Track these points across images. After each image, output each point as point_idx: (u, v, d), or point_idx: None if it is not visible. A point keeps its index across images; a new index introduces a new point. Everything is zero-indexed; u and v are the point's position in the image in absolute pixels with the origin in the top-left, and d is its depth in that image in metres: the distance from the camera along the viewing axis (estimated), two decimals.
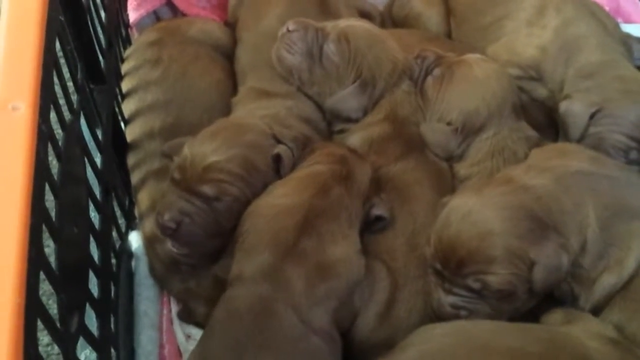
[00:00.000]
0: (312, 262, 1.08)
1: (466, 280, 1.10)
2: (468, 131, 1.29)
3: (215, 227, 1.17)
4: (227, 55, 1.50)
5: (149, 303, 1.27)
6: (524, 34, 1.44)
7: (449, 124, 1.29)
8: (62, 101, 0.94)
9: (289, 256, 1.08)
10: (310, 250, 1.09)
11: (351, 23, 1.37)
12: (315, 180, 1.16)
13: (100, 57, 1.21)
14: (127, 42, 1.53)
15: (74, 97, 1.00)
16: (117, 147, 1.35)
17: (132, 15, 1.55)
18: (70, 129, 0.91)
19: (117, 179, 1.27)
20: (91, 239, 1.01)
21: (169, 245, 1.20)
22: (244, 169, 1.17)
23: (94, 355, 0.96)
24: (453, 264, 1.10)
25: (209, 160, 1.16)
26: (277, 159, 1.20)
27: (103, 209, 1.09)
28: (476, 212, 1.10)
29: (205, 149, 1.17)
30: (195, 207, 1.16)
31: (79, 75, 1.03)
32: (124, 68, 1.43)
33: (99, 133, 1.14)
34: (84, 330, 0.89)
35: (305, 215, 1.11)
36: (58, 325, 0.76)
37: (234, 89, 1.45)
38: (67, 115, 0.94)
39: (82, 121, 1.12)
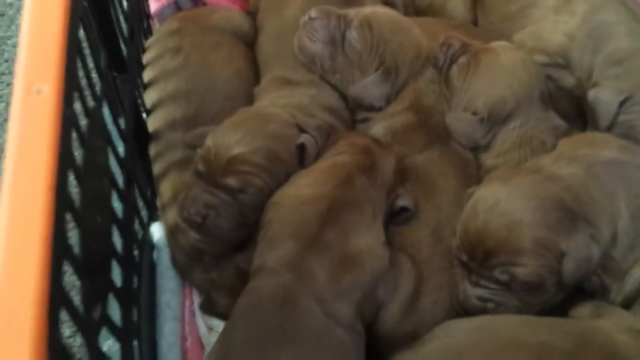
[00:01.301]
0: (336, 253, 1.07)
1: (493, 272, 1.08)
2: (494, 121, 1.26)
3: (240, 219, 1.16)
4: (249, 43, 1.49)
5: (171, 294, 1.26)
6: (551, 21, 1.41)
7: (474, 113, 1.27)
8: (86, 90, 0.93)
9: (312, 247, 1.06)
10: (334, 241, 1.07)
11: (374, 10, 1.35)
12: (339, 170, 1.14)
13: (123, 46, 1.20)
14: (149, 32, 1.52)
15: (98, 86, 0.99)
16: (138, 137, 1.35)
17: (153, 5, 1.55)
18: (94, 116, 0.90)
19: (139, 169, 1.26)
20: (114, 228, 1.00)
21: (193, 233, 1.19)
22: (268, 160, 1.16)
23: (116, 346, 0.94)
24: (480, 256, 1.08)
25: (233, 152, 1.14)
26: (301, 148, 1.19)
27: (126, 198, 1.08)
28: (504, 202, 1.07)
29: (229, 141, 1.16)
30: (220, 200, 1.15)
31: (102, 63, 1.01)
32: (145, 58, 1.42)
33: (122, 122, 1.13)
34: (107, 320, 0.88)
35: (328, 206, 1.09)
36: (81, 314, 0.75)
37: (256, 78, 1.43)
38: (90, 103, 0.92)
39: (105, 110, 1.11)
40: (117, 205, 1.06)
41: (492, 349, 0.96)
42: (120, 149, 1.11)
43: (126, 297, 1.00)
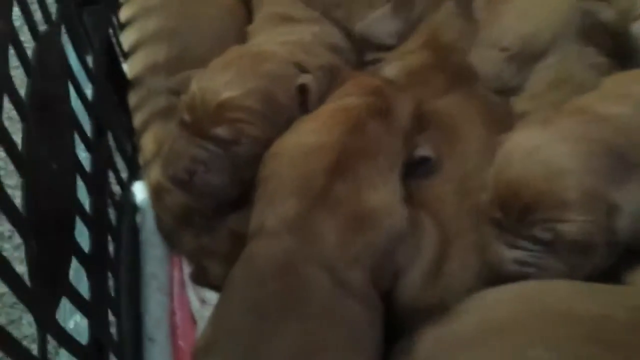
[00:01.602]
0: (347, 210, 0.90)
1: (533, 230, 0.91)
2: (526, 58, 1.09)
3: (234, 174, 0.99)
4: None
5: (157, 263, 1.10)
6: None
7: (502, 49, 1.09)
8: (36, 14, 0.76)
9: (319, 204, 0.90)
10: (345, 196, 0.91)
11: None
12: (348, 114, 0.97)
13: None
14: None
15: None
16: (116, 86, 1.18)
17: None
18: (46, 41, 0.73)
19: (116, 120, 1.10)
20: (80, 184, 0.84)
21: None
22: (264, 104, 0.98)
23: (85, 322, 0.78)
24: (516, 211, 0.92)
25: (222, 97, 0.97)
26: (303, 90, 1.02)
27: (95, 149, 0.91)
28: (545, 147, 0.91)
29: (217, 84, 0.98)
30: (209, 153, 0.98)
31: None
32: None
33: (90, 61, 0.95)
34: (69, 291, 0.72)
35: (337, 155, 0.92)
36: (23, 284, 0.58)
37: (249, 18, 1.26)
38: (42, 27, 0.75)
39: (71, 50, 0.94)
40: (84, 156, 0.89)
41: (540, 323, 0.80)
42: (88, 91, 0.93)
43: (97, 265, 0.83)
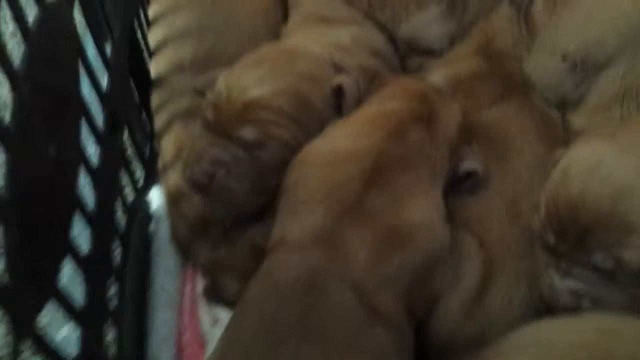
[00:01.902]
0: (382, 224, 0.79)
1: (593, 257, 0.79)
2: (590, 68, 0.97)
3: (258, 180, 0.90)
4: None
5: (169, 276, 1.00)
6: None
7: (564, 58, 0.98)
8: None
9: (350, 215, 0.79)
10: (380, 208, 0.80)
11: None
12: (388, 119, 0.87)
13: None
14: None
15: None
16: (140, 88, 1.10)
17: None
18: (51, 10, 0.65)
19: (134, 118, 1.01)
20: (84, 177, 0.75)
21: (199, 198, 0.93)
22: (296, 105, 0.89)
23: (77, 333, 0.68)
24: (574, 235, 0.80)
25: (250, 95, 0.88)
26: (338, 92, 0.92)
27: (106, 141, 0.82)
28: (609, 164, 0.79)
29: (246, 81, 0.89)
30: (232, 155, 0.89)
31: None
32: None
33: (108, 49, 0.87)
34: (57, 294, 0.62)
35: (374, 162, 0.82)
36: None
37: (284, 20, 1.17)
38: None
39: (89, 39, 0.87)
40: (92, 150, 0.80)
41: None
42: (104, 81, 0.85)
43: (95, 270, 0.74)
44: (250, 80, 0.89)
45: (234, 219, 0.96)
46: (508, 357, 0.74)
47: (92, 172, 0.77)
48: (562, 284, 0.82)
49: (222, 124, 0.89)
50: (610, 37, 0.96)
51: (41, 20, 0.63)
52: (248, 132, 0.88)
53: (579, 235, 0.79)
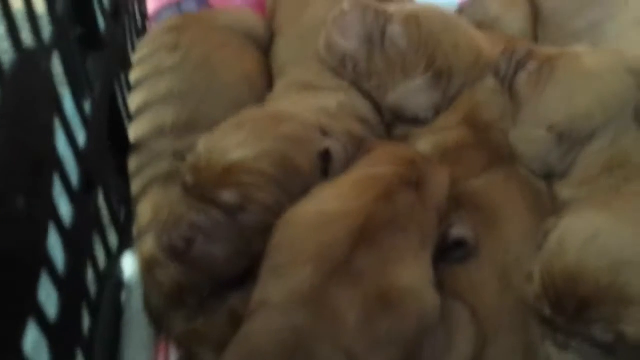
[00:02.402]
0: (371, 287, 0.76)
1: (592, 329, 0.76)
2: (576, 139, 0.97)
3: (239, 246, 0.85)
4: (263, 48, 1.22)
5: (140, 348, 0.93)
6: (633, 33, 1.15)
7: (550, 129, 0.98)
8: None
9: (339, 276, 0.75)
10: (369, 269, 0.77)
11: (421, 6, 1.09)
12: (377, 182, 0.85)
13: (100, 17, 0.93)
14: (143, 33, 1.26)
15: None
16: (117, 152, 1.07)
17: (152, 4, 1.30)
18: (29, 59, 0.62)
19: (111, 180, 0.97)
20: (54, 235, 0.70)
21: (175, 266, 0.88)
22: (279, 168, 0.86)
23: None
24: (572, 308, 0.77)
25: (231, 158, 0.85)
26: (326, 156, 0.89)
27: (80, 201, 0.77)
28: (606, 234, 0.77)
29: (227, 144, 0.86)
30: (212, 219, 0.84)
31: (58, 4, 0.74)
32: (136, 57, 1.16)
33: (87, 107, 0.84)
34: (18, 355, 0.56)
35: (363, 224, 0.79)
36: None
37: (269, 88, 1.16)
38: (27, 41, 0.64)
39: (67, 93, 0.84)
40: (65, 211, 0.75)
41: None
42: (81, 139, 0.82)
43: (63, 338, 0.68)
44: (231, 143, 0.87)
45: (213, 287, 0.91)
46: None
47: (64, 232, 0.72)
48: (559, 358, 0.79)
49: (201, 187, 0.85)
50: (596, 111, 0.96)
51: (18, 64, 0.60)
52: (229, 196, 0.84)
53: (577, 307, 0.76)
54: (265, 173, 0.85)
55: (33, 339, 0.66)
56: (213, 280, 0.89)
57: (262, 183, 0.85)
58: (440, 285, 0.84)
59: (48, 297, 0.70)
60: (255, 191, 0.85)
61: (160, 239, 0.86)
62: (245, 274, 0.88)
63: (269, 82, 1.17)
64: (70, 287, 0.71)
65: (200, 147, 0.88)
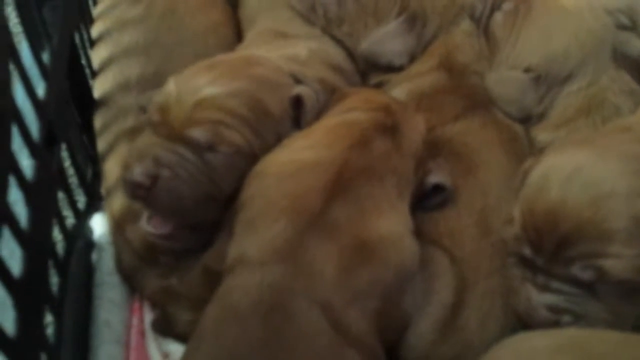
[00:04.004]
0: (348, 237, 0.73)
1: (571, 268, 0.75)
2: (553, 80, 0.95)
3: (209, 187, 0.82)
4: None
5: (113, 308, 0.91)
6: None
7: (527, 71, 0.96)
8: None
9: (314, 228, 0.73)
10: (345, 220, 0.74)
11: None
12: (351, 129, 0.82)
13: None
14: None
15: None
16: (80, 107, 1.03)
17: None
18: None
19: (75, 137, 0.94)
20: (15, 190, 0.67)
21: (143, 222, 0.85)
22: (251, 109, 0.82)
23: None
24: (552, 246, 0.75)
25: (202, 94, 0.81)
26: (297, 102, 0.86)
27: (42, 155, 0.74)
28: (588, 169, 0.75)
29: (198, 82, 0.83)
30: (179, 157, 0.80)
31: None
32: (97, 10, 1.11)
33: (45, 57, 0.80)
34: None
35: (338, 173, 0.76)
36: None
37: (238, 38, 1.12)
38: None
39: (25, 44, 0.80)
40: (26, 163, 0.72)
41: None
42: (40, 90, 0.78)
43: (28, 295, 0.65)
44: (203, 81, 0.83)
45: (185, 243, 0.88)
46: None
47: (25, 186, 0.69)
48: (539, 299, 0.77)
49: (170, 124, 0.81)
50: (574, 50, 0.94)
51: None
52: (198, 133, 0.80)
53: (557, 245, 0.75)
54: (237, 112, 0.82)
55: None
56: (183, 227, 0.85)
57: (233, 122, 0.81)
58: (419, 232, 0.82)
59: (11, 254, 0.67)
60: (225, 130, 0.81)
61: (123, 177, 0.82)
62: (217, 229, 0.86)
63: (238, 33, 1.13)
64: (34, 243, 0.68)
65: (170, 85, 0.84)
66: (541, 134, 0.97)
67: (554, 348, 0.67)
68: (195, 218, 0.84)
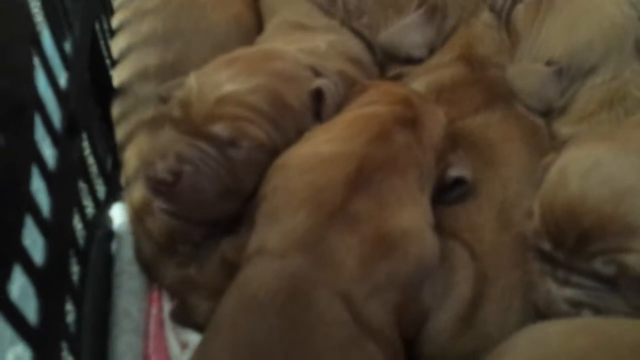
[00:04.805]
0: (369, 230, 0.73)
1: (593, 263, 0.74)
2: (575, 74, 0.94)
3: (230, 182, 0.82)
4: None
5: (132, 298, 0.91)
6: None
7: (549, 63, 0.95)
8: None
9: (335, 219, 0.73)
10: (367, 213, 0.74)
11: None
12: (371, 122, 0.82)
13: None
14: None
15: None
16: (100, 97, 1.03)
17: None
18: None
19: (95, 127, 0.94)
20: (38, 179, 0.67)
21: (161, 208, 0.84)
22: (272, 105, 0.82)
23: (27, 354, 0.60)
24: (572, 241, 0.74)
25: (223, 90, 0.81)
26: (318, 95, 0.86)
27: (63, 144, 0.74)
28: (609, 163, 0.74)
29: (219, 78, 0.83)
30: (201, 153, 0.80)
31: None
32: (117, 1, 1.11)
33: (68, 47, 0.80)
34: (5, 307, 0.54)
35: (359, 165, 0.76)
36: None
37: (258, 28, 1.12)
38: None
39: (47, 33, 0.80)
40: (48, 153, 0.72)
41: (609, 355, 0.62)
42: (62, 80, 0.78)
43: (50, 284, 0.65)
44: (223, 77, 0.83)
45: (204, 234, 0.88)
46: (508, 355, 0.68)
47: (48, 175, 0.69)
48: (559, 293, 0.77)
49: (191, 120, 0.81)
50: (597, 42, 0.93)
51: None
52: (220, 129, 0.80)
53: (578, 240, 0.74)
54: (258, 107, 0.82)
55: (20, 286, 0.64)
56: (202, 222, 0.86)
57: (254, 117, 0.81)
58: (439, 225, 0.82)
59: (34, 243, 0.67)
60: (247, 125, 0.81)
61: (145, 174, 0.81)
62: (236, 219, 0.86)
63: (258, 23, 1.12)
64: (56, 232, 0.69)
65: (191, 81, 0.84)
66: (563, 128, 0.96)
67: (568, 331, 0.67)
68: (216, 214, 0.84)
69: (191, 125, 0.81)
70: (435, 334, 0.80)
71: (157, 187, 0.79)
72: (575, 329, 0.67)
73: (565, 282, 0.77)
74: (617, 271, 0.73)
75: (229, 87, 0.81)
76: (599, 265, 0.73)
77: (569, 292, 0.76)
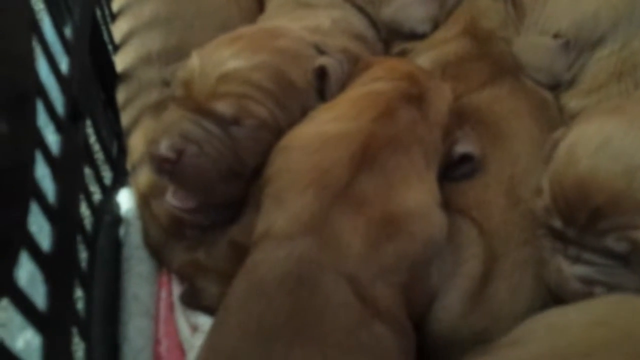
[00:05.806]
0: (375, 210, 0.73)
1: (604, 240, 0.73)
2: (583, 46, 0.93)
3: (233, 162, 0.81)
4: None
5: (141, 282, 0.91)
6: None
7: (556, 36, 0.93)
8: None
9: (340, 200, 0.72)
10: (372, 193, 0.73)
11: None
12: (376, 100, 0.81)
13: None
14: None
15: None
16: (104, 82, 1.02)
17: None
18: None
19: (99, 113, 0.93)
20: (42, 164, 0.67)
21: (168, 196, 0.85)
22: (275, 82, 0.81)
23: (37, 340, 0.60)
24: (583, 218, 0.74)
25: (226, 68, 0.80)
26: (321, 73, 0.85)
27: (67, 130, 0.74)
28: (620, 139, 0.73)
29: (222, 55, 0.82)
30: (205, 131, 0.80)
31: None
32: None
33: (68, 32, 0.80)
34: (13, 293, 0.54)
35: (364, 144, 0.75)
36: None
37: (259, 9, 1.10)
38: None
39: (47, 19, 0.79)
40: (52, 139, 0.72)
41: (632, 349, 0.61)
42: (64, 65, 0.77)
43: (58, 269, 0.65)
44: (226, 54, 0.82)
45: (212, 218, 0.88)
46: (522, 347, 0.67)
47: (52, 160, 0.69)
48: (571, 270, 0.76)
49: (194, 98, 0.81)
50: (604, 13, 0.91)
51: None
52: (223, 107, 0.80)
53: (589, 217, 0.73)
54: (261, 85, 0.81)
55: (29, 272, 0.65)
56: (208, 203, 0.85)
57: (257, 95, 0.81)
58: (447, 203, 0.81)
59: (40, 229, 0.67)
60: (250, 103, 0.80)
61: (149, 152, 0.81)
62: (243, 204, 0.85)
63: (259, 4, 1.11)
64: (62, 218, 0.68)
65: (193, 60, 0.84)
66: (572, 101, 0.94)
67: (590, 321, 0.66)
68: (219, 194, 0.83)
69: (194, 103, 0.80)
70: (445, 313, 0.80)
71: (161, 164, 0.79)
72: (596, 319, 0.66)
73: (576, 260, 0.76)
74: (629, 248, 0.72)
75: (231, 65, 0.80)
76: (610, 242, 0.73)
77: (580, 270, 0.75)
